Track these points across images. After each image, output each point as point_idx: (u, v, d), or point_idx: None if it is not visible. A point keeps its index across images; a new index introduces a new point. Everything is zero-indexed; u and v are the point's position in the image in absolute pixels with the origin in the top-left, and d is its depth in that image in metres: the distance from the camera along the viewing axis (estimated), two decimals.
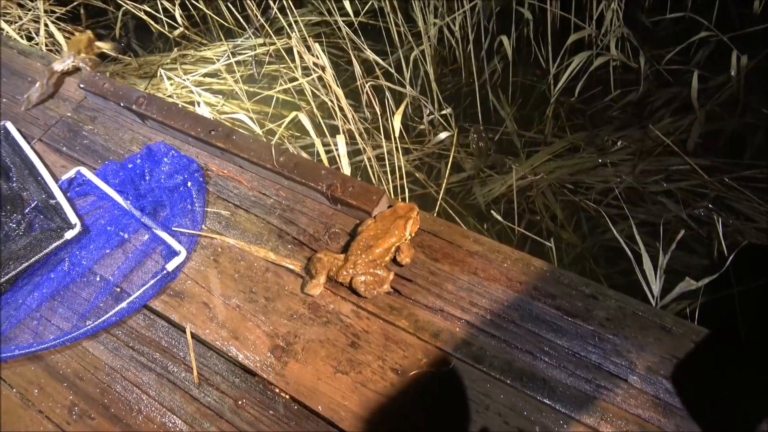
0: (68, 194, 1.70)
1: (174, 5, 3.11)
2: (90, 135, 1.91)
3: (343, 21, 2.63)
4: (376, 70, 2.53)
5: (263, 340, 1.38)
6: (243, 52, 3.03)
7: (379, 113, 2.32)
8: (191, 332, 1.41)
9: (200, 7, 3.12)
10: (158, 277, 1.48)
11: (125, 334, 1.44)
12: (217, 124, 1.77)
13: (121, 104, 1.88)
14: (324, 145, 2.20)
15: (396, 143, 2.16)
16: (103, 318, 1.42)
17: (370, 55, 2.55)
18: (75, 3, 3.37)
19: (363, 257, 1.39)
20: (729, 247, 1.89)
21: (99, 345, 1.43)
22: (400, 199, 2.01)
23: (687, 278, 1.60)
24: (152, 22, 3.23)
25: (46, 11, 3.06)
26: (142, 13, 3.18)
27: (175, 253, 1.53)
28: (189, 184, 1.66)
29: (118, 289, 1.51)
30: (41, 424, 1.33)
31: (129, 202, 1.65)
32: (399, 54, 2.72)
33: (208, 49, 3.10)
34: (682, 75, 2.52)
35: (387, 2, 2.64)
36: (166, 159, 1.72)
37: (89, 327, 1.42)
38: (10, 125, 1.89)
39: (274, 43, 2.95)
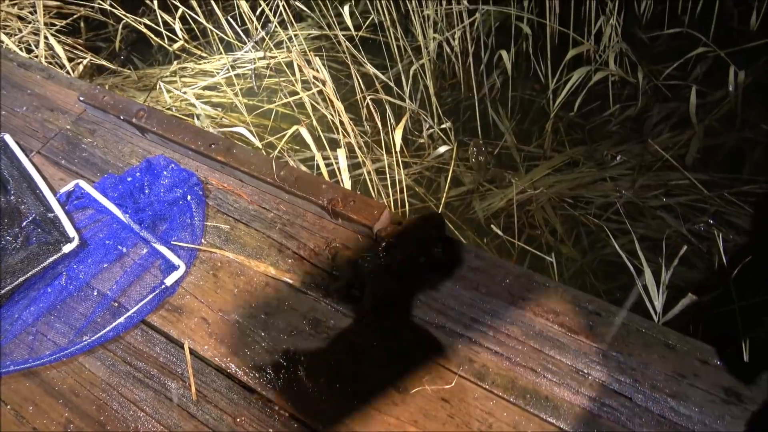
0: (66, 207, 1.69)
1: (174, 19, 3.12)
2: (89, 148, 1.90)
3: (344, 35, 2.64)
4: (375, 84, 2.54)
5: (263, 356, 1.36)
6: (243, 65, 3.04)
7: (379, 127, 2.32)
8: (189, 348, 1.39)
9: (200, 20, 3.13)
10: (156, 292, 1.46)
11: (122, 350, 1.42)
12: (217, 137, 1.76)
13: (121, 117, 1.88)
14: (324, 158, 2.20)
15: (396, 157, 2.16)
16: (100, 333, 1.40)
17: (370, 69, 2.55)
18: (75, 16, 3.38)
19: None
20: (729, 261, 1.88)
21: (96, 361, 1.41)
22: (400, 213, 2.00)
23: (689, 294, 1.60)
24: (152, 36, 3.23)
25: (46, 24, 3.06)
26: (142, 26, 3.19)
27: (174, 268, 1.51)
28: (189, 197, 1.65)
29: (116, 304, 1.49)
30: None
31: (128, 215, 1.63)
32: (399, 68, 2.73)
33: (208, 62, 3.11)
34: (681, 90, 2.53)
35: (387, 17, 2.65)
36: (165, 172, 1.72)
37: (86, 342, 1.40)
38: (8, 138, 1.89)
39: (274, 57, 2.95)
